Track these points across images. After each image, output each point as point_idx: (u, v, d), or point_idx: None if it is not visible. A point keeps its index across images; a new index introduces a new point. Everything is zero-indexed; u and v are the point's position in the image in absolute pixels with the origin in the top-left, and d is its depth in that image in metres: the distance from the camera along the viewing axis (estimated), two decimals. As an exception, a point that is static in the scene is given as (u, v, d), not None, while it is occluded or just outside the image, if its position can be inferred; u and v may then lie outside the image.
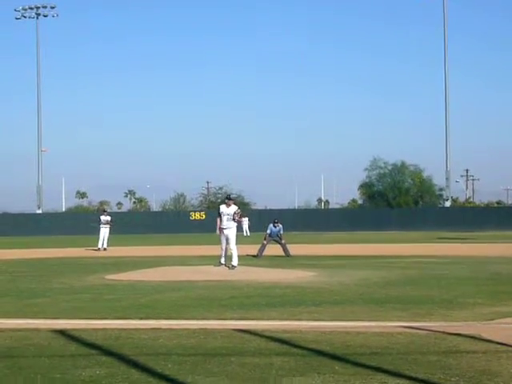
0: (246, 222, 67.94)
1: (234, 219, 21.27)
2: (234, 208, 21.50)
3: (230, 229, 21.23)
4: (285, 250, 30.16)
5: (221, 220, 21.37)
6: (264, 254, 29.60)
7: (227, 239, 21.21)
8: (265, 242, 30.36)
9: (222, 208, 21.66)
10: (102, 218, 39.92)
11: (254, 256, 29.05)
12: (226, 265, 21.19)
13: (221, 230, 21.43)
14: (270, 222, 31.51)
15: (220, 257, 21.58)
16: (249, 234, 65.31)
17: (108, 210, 47.09)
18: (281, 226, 31.18)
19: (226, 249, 21.31)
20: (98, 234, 39.44)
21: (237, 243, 21.37)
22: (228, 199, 22.44)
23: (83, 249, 40.13)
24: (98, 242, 39.08)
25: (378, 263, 24.72)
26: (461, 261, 25.62)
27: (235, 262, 21.07)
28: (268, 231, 30.94)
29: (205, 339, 9.53)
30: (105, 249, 38.22)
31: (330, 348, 8.79)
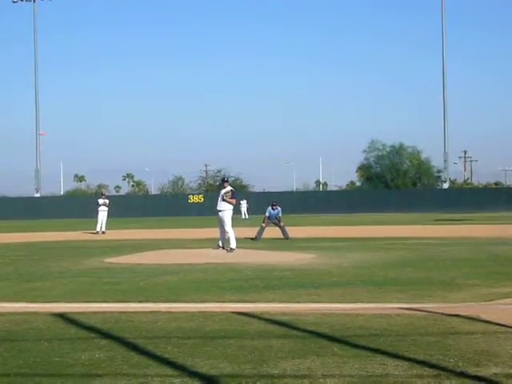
0: (244, 204, 68.07)
1: (223, 199, 21.29)
2: (227, 189, 21.53)
3: (223, 211, 21.23)
4: (283, 232, 30.18)
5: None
6: (263, 236, 29.62)
7: (222, 222, 21.21)
8: (263, 225, 30.37)
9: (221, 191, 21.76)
10: (100, 201, 39.94)
11: (252, 239, 29.07)
12: (224, 247, 21.21)
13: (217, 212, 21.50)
14: (269, 205, 31.51)
15: (219, 239, 21.60)
16: (247, 216, 65.41)
17: (106, 194, 47.00)
18: (279, 208, 31.18)
19: (224, 231, 21.31)
20: (97, 217, 39.50)
21: (233, 225, 21.35)
22: (223, 181, 22.48)
23: (82, 232, 40.16)
24: (96, 225, 39.14)
25: (377, 245, 24.75)
26: (459, 242, 25.65)
27: (233, 244, 21.08)
28: (267, 214, 30.93)
29: (204, 322, 9.55)
30: (103, 232, 38.27)
31: (329, 330, 8.80)
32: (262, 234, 29.84)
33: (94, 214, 40.46)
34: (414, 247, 23.41)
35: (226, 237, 21.26)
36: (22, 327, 9.42)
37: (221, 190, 22.13)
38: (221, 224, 21.33)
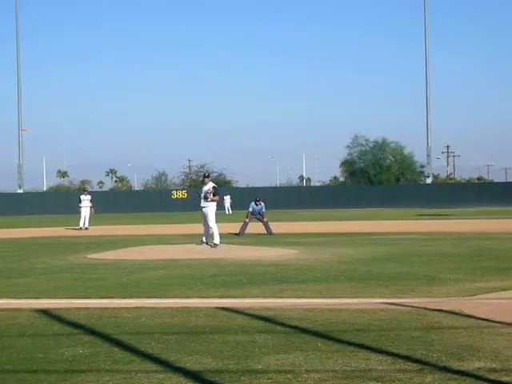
0: (228, 200, 68.02)
1: (206, 197, 21.25)
2: (209, 186, 21.48)
3: (206, 207, 21.21)
4: (267, 227, 30.19)
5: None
6: (246, 232, 29.62)
7: (206, 217, 21.19)
8: (247, 220, 30.38)
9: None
10: (82, 197, 39.74)
11: (236, 234, 29.05)
12: (208, 243, 21.20)
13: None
14: (252, 200, 31.51)
15: (203, 235, 21.59)
16: (231, 212, 65.34)
17: (88, 190, 46.79)
18: (263, 204, 31.18)
19: (208, 227, 21.27)
20: (79, 213, 39.31)
21: (216, 221, 21.31)
22: (204, 177, 22.41)
23: (65, 228, 40.02)
24: (79, 221, 38.96)
25: (360, 240, 24.80)
26: (442, 237, 25.75)
27: (216, 240, 21.05)
28: (250, 209, 30.93)
29: (187, 317, 9.54)
30: (86, 228, 38.09)
31: (313, 325, 8.81)
32: (245, 229, 29.85)
33: (77, 210, 40.29)
34: (397, 242, 23.47)
35: (210, 232, 21.24)
36: (5, 323, 9.38)
37: (203, 186, 22.08)
38: (205, 220, 21.30)
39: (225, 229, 26.16)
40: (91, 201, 39.64)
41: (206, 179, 21.95)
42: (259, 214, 30.90)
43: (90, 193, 42.15)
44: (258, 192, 53.10)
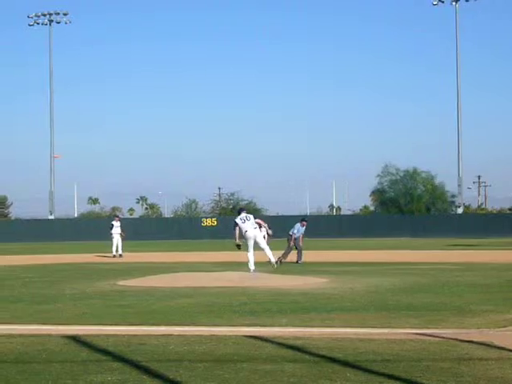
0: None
1: (260, 226, 23.57)
2: (251, 217, 23.19)
3: (255, 234, 22.74)
4: (299, 254, 29.93)
5: (240, 229, 22.50)
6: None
7: (256, 243, 22.56)
8: (291, 244, 29.86)
9: (239, 219, 22.35)
10: (114, 223, 39.69)
11: (278, 262, 28.38)
12: (279, 261, 22.54)
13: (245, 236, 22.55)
14: (297, 222, 30.96)
15: (248, 262, 22.31)
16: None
17: (120, 216, 46.81)
18: (303, 227, 30.55)
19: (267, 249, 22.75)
20: (111, 240, 39.20)
21: (249, 250, 22.24)
22: (241, 211, 23.91)
23: (95, 255, 40.16)
24: (111, 248, 38.74)
25: (390, 270, 24.64)
26: (473, 267, 25.52)
27: (272, 258, 22.74)
28: (294, 231, 30.24)
29: (216, 345, 9.53)
30: (120, 255, 37.86)
31: (342, 355, 8.76)
32: (287, 255, 29.38)
33: (108, 237, 40.31)
34: (427, 272, 23.30)
35: (269, 253, 22.69)
36: (35, 349, 9.42)
37: (241, 215, 23.23)
38: (256, 245, 22.51)
39: (262, 257, 25.99)
40: (121, 227, 39.60)
41: (243, 212, 23.67)
42: (301, 234, 30.29)
43: (120, 219, 42.22)
44: (288, 220, 52.93)
